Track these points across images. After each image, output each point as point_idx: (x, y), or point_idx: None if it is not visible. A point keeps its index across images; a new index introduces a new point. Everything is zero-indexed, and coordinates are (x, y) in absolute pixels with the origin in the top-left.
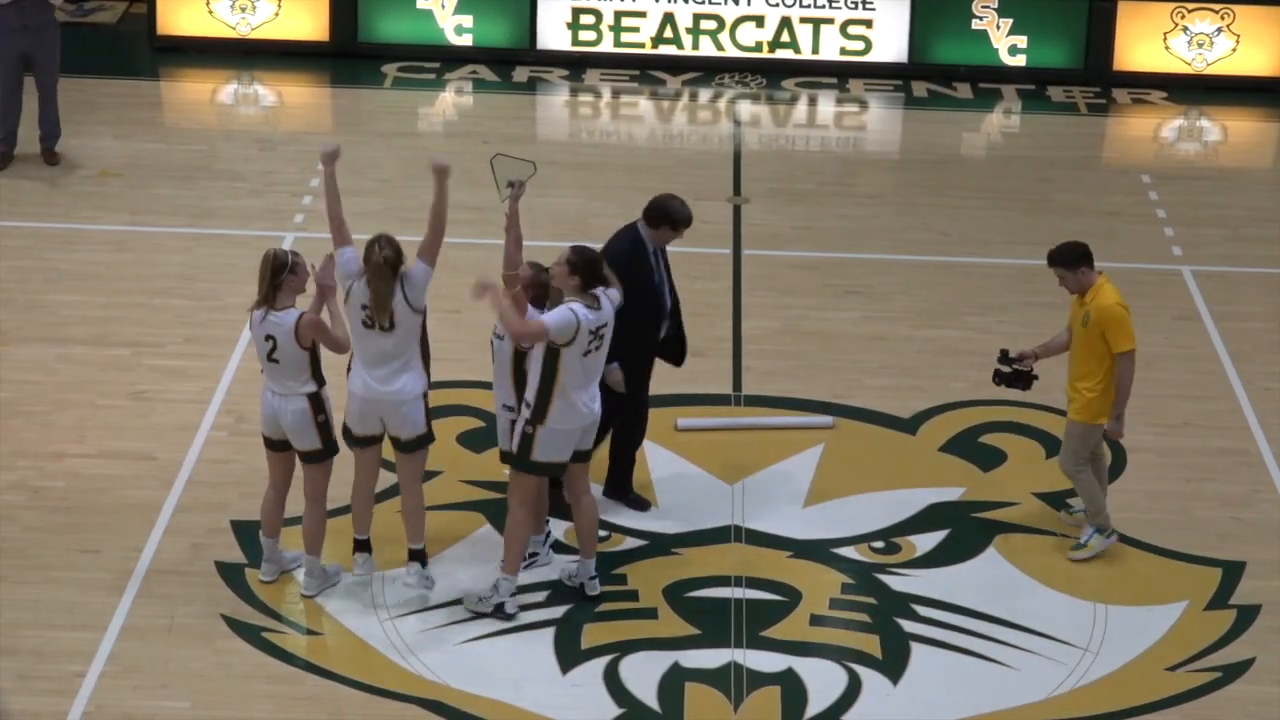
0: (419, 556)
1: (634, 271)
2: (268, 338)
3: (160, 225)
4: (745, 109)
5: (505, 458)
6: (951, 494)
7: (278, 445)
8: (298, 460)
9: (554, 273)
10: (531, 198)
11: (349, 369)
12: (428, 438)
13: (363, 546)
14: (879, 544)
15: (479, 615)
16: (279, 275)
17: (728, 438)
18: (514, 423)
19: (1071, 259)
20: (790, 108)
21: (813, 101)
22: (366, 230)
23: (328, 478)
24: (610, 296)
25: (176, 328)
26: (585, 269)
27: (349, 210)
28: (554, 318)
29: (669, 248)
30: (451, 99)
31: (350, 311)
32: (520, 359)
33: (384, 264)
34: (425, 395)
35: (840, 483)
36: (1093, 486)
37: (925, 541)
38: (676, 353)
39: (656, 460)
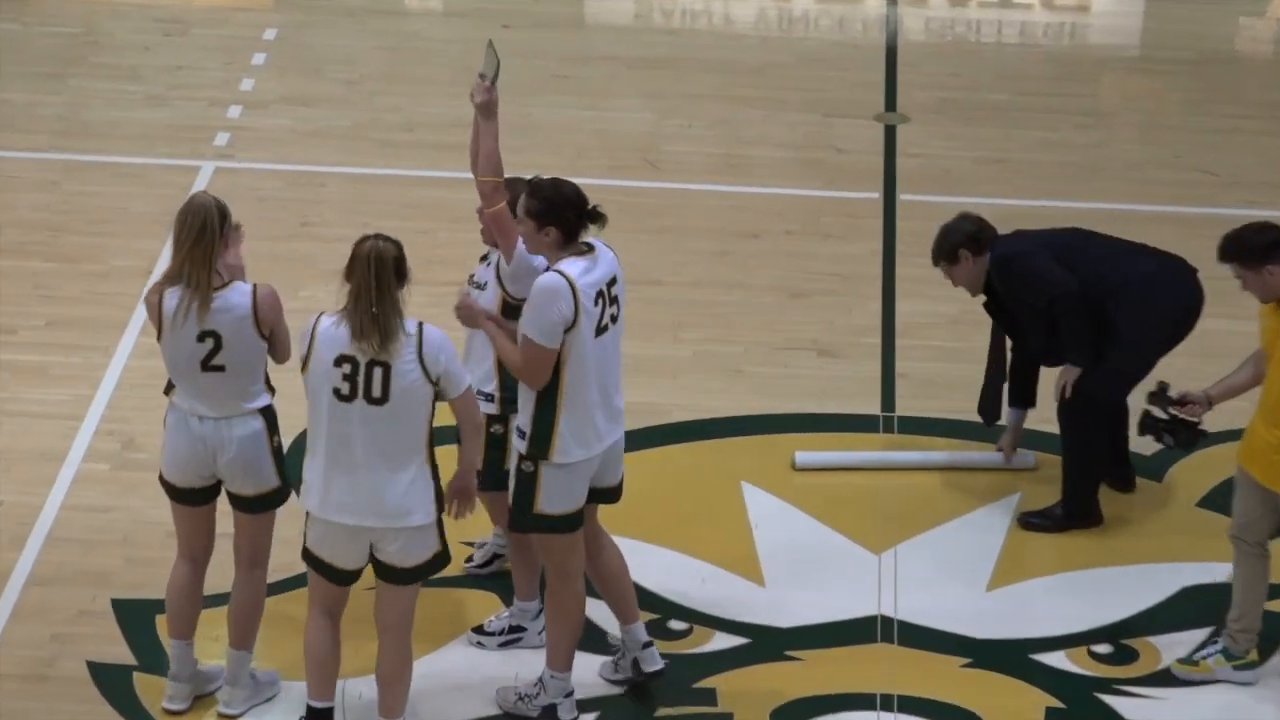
0: None
1: (1043, 243)
2: (205, 335)
3: (11, 149)
4: None
5: (497, 480)
6: (1218, 572)
7: (197, 495)
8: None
9: (521, 234)
10: (578, 111)
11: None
12: (444, 557)
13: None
14: (1104, 648)
15: None
16: (222, 233)
17: (870, 481)
18: (489, 425)
19: (1255, 251)
20: None
21: None
22: (317, 160)
23: (272, 530)
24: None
25: (34, 304)
26: (549, 209)
27: (296, 129)
28: (533, 307)
29: None
30: None
31: (314, 374)
32: (512, 315)
33: (377, 254)
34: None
35: (1045, 553)
36: (1259, 583)
37: (1176, 644)
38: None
39: (763, 514)
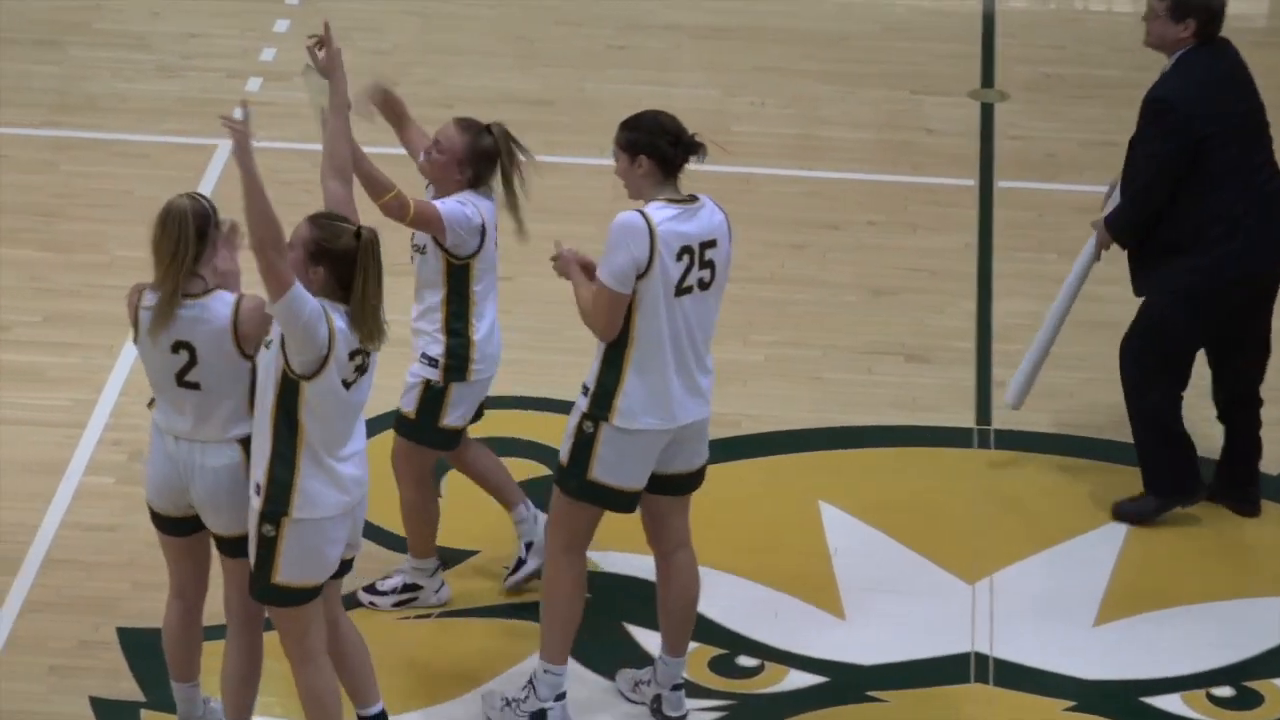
0: None
1: (1190, 125)
2: (179, 346)
3: (2, 124)
4: None
5: (413, 430)
6: None
7: (181, 525)
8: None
9: (617, 171)
10: (637, 85)
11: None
12: None
13: None
14: (1225, 690)
15: None
16: (203, 240)
17: (962, 501)
18: (428, 385)
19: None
20: None
21: None
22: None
23: None
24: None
25: (29, 298)
26: (642, 138)
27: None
28: (607, 247)
29: None
30: None
31: (331, 375)
32: (457, 279)
33: (374, 245)
34: None
35: (1160, 584)
36: None
37: None
38: None
39: (843, 538)
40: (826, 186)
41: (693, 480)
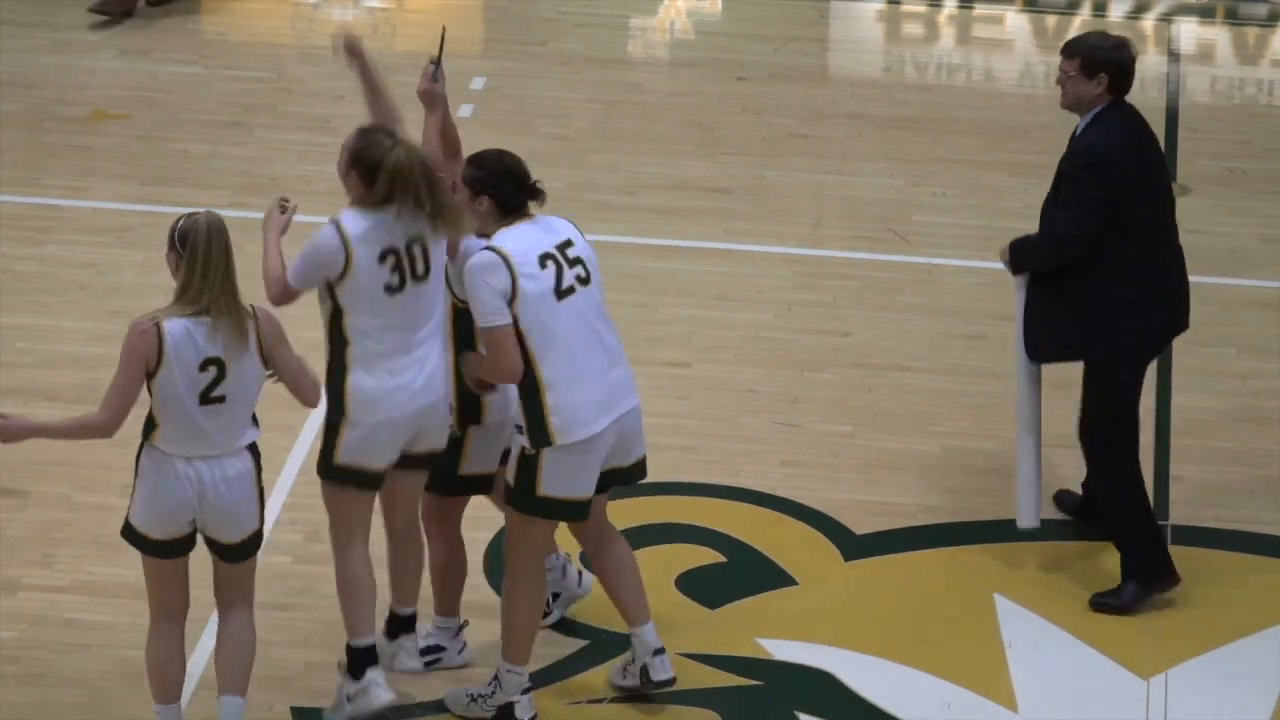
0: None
1: (1125, 177)
2: (208, 364)
3: (188, 203)
4: (1189, 33)
5: (442, 482)
6: None
7: (184, 546)
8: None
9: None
10: (818, 174)
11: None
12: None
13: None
14: None
15: None
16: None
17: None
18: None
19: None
20: (1270, 32)
21: None
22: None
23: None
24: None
25: None
26: (496, 181)
27: None
28: (470, 293)
29: None
30: (684, 4)
31: (359, 269)
32: (464, 319)
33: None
34: None
35: None
36: None
37: None
38: None
39: (1018, 631)
40: (1007, 278)
41: (633, 473)
